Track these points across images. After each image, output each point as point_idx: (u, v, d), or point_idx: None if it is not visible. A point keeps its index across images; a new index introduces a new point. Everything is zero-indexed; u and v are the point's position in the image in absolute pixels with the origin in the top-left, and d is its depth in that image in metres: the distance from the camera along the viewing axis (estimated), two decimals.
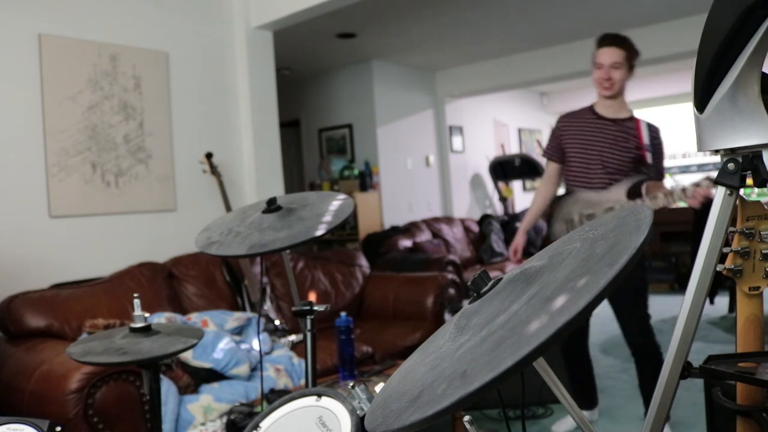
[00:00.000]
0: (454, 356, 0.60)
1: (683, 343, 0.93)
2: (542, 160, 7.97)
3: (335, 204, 1.41)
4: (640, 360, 2.49)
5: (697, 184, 2.34)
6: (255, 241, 1.30)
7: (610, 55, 2.48)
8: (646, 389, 2.47)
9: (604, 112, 2.59)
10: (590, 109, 2.64)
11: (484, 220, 6.58)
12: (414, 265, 4.57)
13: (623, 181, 2.50)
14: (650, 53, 5.56)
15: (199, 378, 2.44)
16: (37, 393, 2.12)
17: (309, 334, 1.48)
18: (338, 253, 4.21)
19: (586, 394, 2.77)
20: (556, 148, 2.68)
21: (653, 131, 2.56)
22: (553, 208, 2.69)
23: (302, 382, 2.64)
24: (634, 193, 2.49)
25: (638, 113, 2.66)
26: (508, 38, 5.71)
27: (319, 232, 1.28)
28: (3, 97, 2.81)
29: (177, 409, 2.24)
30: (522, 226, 2.77)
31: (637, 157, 2.50)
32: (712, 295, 4.82)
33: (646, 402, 2.52)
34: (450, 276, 3.82)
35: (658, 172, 2.58)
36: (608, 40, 2.50)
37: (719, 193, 0.94)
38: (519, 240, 2.74)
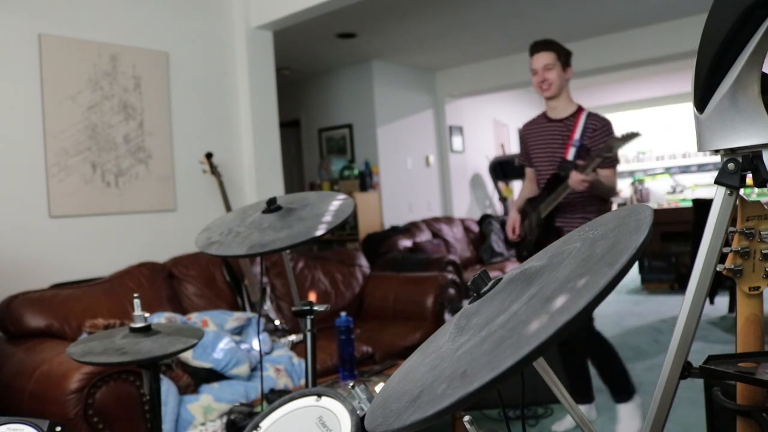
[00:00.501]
0: (454, 356, 0.60)
1: (683, 343, 0.93)
2: None
3: (335, 204, 1.41)
4: (593, 352, 2.65)
5: (582, 166, 2.44)
6: (255, 241, 1.30)
7: (541, 59, 2.60)
8: (609, 380, 2.65)
9: (552, 114, 2.70)
10: (543, 114, 2.76)
11: (484, 220, 6.58)
12: (414, 265, 4.57)
13: (554, 190, 2.64)
14: (650, 53, 5.58)
15: (199, 378, 2.44)
16: (37, 393, 2.12)
17: (309, 334, 1.48)
18: (338, 253, 4.21)
19: (580, 387, 2.77)
20: (526, 155, 2.82)
21: (592, 121, 2.56)
22: (524, 209, 2.84)
23: (302, 382, 2.64)
24: (551, 192, 2.63)
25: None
26: (508, 38, 5.71)
27: (319, 232, 1.28)
28: (3, 97, 2.81)
29: (177, 409, 2.24)
30: (514, 205, 2.89)
31: (562, 154, 2.60)
32: (712, 295, 4.82)
33: (614, 391, 2.65)
34: (450, 276, 3.82)
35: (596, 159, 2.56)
36: (537, 46, 2.63)
37: (719, 193, 0.94)
38: (514, 216, 2.83)
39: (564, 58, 2.61)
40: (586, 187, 2.44)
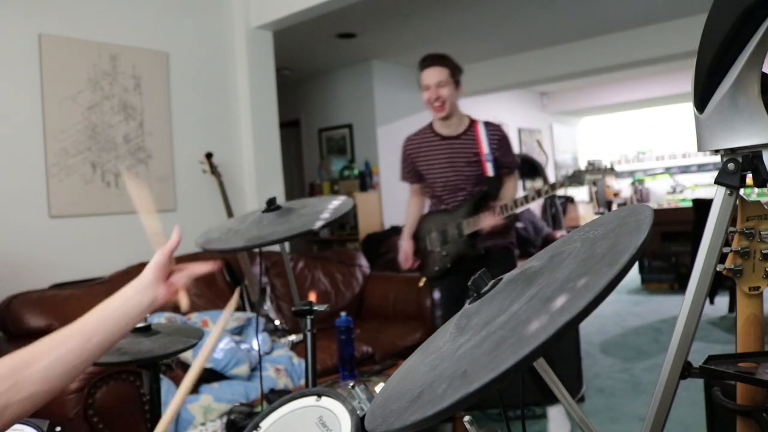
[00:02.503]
0: (455, 356, 0.60)
1: (683, 343, 0.93)
2: (542, 160, 8.00)
3: (334, 203, 1.42)
4: None
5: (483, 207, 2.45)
6: (253, 234, 1.30)
7: (435, 74, 2.45)
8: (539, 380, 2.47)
9: (442, 131, 2.58)
10: (430, 128, 2.62)
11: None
12: None
13: (469, 198, 2.55)
14: (650, 53, 5.57)
15: (199, 378, 2.44)
16: None
17: (309, 334, 1.48)
18: (338, 253, 4.21)
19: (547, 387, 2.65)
20: (411, 171, 2.69)
21: (493, 131, 2.54)
22: (418, 225, 2.76)
23: (302, 382, 2.64)
24: (478, 208, 2.52)
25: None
26: (508, 38, 5.72)
27: (318, 224, 1.28)
28: (3, 97, 2.81)
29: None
30: (406, 234, 2.76)
31: (478, 170, 2.52)
32: (712, 295, 4.82)
33: (544, 393, 2.41)
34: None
35: (507, 166, 2.60)
36: (429, 60, 2.47)
37: (719, 193, 0.94)
38: (408, 245, 2.72)
39: (457, 75, 2.50)
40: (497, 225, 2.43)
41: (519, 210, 2.44)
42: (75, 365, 0.83)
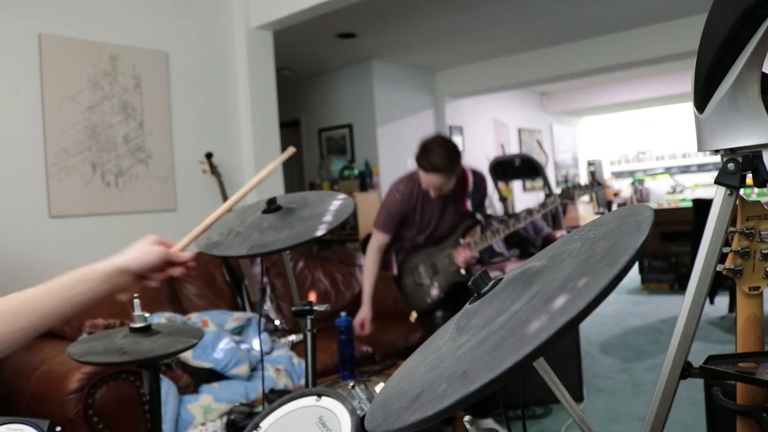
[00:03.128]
0: (455, 356, 0.60)
1: (683, 343, 0.93)
2: (542, 160, 8.00)
3: (335, 204, 1.41)
4: None
5: (462, 243, 2.59)
6: (255, 241, 1.30)
7: (440, 179, 2.46)
8: None
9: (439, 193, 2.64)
10: (422, 189, 2.61)
11: (484, 220, 6.58)
12: None
13: (457, 230, 2.69)
14: (650, 53, 5.57)
15: (199, 378, 2.44)
16: (37, 393, 2.12)
17: (309, 334, 1.47)
18: (338, 253, 4.21)
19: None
20: (395, 223, 2.65)
21: (479, 180, 2.72)
22: (402, 263, 2.76)
23: (302, 382, 2.64)
24: (464, 235, 2.68)
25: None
26: (508, 38, 5.72)
27: (320, 232, 1.27)
28: (3, 97, 2.81)
29: (177, 409, 2.24)
30: (366, 300, 2.71)
31: (464, 212, 2.69)
32: (712, 295, 4.82)
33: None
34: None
35: (480, 207, 2.81)
36: (440, 169, 2.42)
37: (719, 193, 0.94)
38: (365, 312, 2.67)
39: (457, 171, 2.53)
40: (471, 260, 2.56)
41: (493, 241, 2.56)
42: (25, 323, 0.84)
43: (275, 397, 2.13)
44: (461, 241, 2.62)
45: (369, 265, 2.71)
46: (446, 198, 2.61)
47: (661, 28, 5.38)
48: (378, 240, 2.70)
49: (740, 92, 0.86)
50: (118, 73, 3.21)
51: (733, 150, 0.91)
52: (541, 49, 6.14)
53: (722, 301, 4.76)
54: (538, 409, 2.92)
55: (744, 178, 0.92)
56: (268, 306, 3.30)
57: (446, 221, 2.67)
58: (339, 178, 5.87)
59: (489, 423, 2.65)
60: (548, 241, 6.49)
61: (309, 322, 1.48)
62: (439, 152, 2.39)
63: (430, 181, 2.46)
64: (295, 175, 6.75)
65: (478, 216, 2.72)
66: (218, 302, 3.14)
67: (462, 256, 2.55)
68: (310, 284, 3.64)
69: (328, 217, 1.34)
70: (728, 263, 0.96)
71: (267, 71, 3.92)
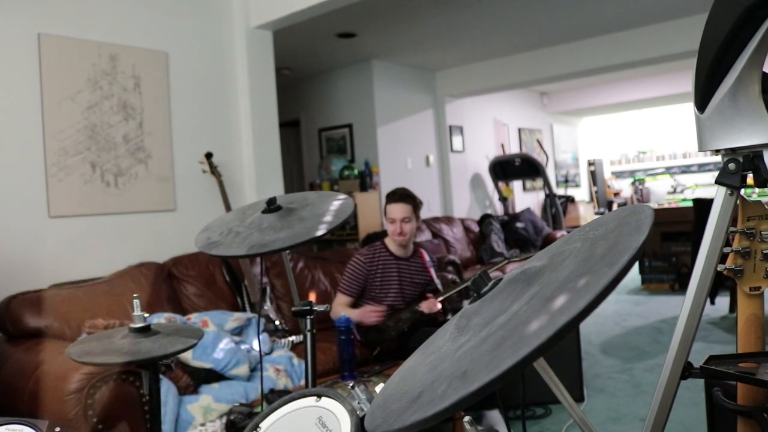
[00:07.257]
0: (455, 356, 0.59)
1: (684, 344, 0.93)
2: (542, 160, 8.00)
3: (335, 204, 1.41)
4: None
5: (434, 290, 2.96)
6: (255, 241, 1.30)
7: (401, 210, 2.82)
8: None
9: (401, 254, 2.94)
10: (384, 246, 2.95)
11: (484, 220, 6.58)
12: None
13: (419, 293, 2.98)
14: (650, 53, 5.57)
15: (198, 378, 2.44)
16: (36, 393, 2.12)
17: (309, 334, 1.47)
18: (338, 253, 4.21)
19: None
20: (358, 286, 2.88)
21: (430, 256, 3.11)
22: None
23: (302, 382, 2.64)
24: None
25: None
26: (508, 38, 5.71)
27: (320, 232, 1.27)
28: (3, 97, 2.81)
29: (177, 410, 2.23)
30: (358, 310, 2.87)
31: (416, 292, 2.96)
32: (712, 295, 4.82)
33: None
34: (450, 276, 3.81)
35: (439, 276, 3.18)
36: (398, 197, 2.85)
37: (720, 193, 0.94)
38: (362, 308, 2.84)
39: (418, 210, 2.88)
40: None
41: (449, 294, 2.94)
42: None
43: (275, 398, 2.13)
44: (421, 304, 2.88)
45: (338, 309, 2.85)
46: (403, 270, 2.92)
47: (661, 28, 5.38)
48: (342, 300, 2.90)
49: (741, 92, 0.86)
50: (117, 73, 3.21)
51: (733, 150, 0.91)
52: (541, 49, 6.14)
53: (723, 301, 4.76)
54: (538, 409, 2.92)
55: (745, 178, 0.92)
56: (268, 306, 3.30)
57: (410, 289, 2.94)
58: (339, 178, 5.87)
59: (496, 415, 2.66)
60: (548, 241, 6.50)
61: (309, 322, 1.47)
62: (401, 189, 2.91)
63: (396, 212, 2.82)
64: (295, 175, 6.75)
65: (436, 281, 3.04)
66: (218, 302, 3.13)
67: (426, 303, 2.84)
68: (310, 284, 3.64)
69: (328, 217, 1.34)
70: (729, 263, 0.96)
71: (267, 71, 3.92)
